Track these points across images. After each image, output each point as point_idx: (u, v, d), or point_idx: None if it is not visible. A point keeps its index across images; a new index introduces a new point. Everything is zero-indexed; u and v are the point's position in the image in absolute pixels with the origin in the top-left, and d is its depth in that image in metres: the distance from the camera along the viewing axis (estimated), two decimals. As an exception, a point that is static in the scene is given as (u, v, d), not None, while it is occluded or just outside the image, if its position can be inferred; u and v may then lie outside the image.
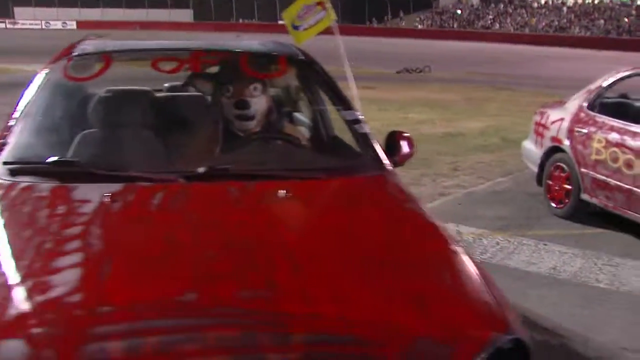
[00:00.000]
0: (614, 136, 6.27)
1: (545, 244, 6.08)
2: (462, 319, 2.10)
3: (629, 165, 6.03)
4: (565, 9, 73.94)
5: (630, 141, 6.07)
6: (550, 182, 7.10)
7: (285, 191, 2.73)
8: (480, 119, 13.68)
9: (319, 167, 3.20)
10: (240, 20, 79.45)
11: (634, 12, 68.23)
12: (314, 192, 2.96)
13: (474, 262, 2.43)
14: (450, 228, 6.34)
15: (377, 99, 15.95)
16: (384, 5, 78.49)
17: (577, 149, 6.69)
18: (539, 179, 7.33)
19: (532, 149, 7.49)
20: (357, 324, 2.00)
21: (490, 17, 76.44)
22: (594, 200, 6.55)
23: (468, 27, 73.11)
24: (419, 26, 76.15)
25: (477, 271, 2.36)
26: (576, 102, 7.00)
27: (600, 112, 6.68)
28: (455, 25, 75.04)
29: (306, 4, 4.17)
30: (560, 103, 7.38)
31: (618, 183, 6.17)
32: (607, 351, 4.18)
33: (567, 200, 6.86)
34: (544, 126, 7.27)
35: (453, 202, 7.53)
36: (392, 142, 3.52)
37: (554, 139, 7.06)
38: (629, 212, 6.13)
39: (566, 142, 6.84)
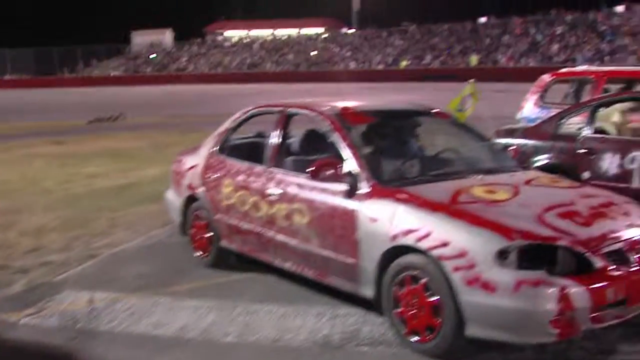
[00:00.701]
0: (240, 179, 6.14)
1: (181, 300, 5.76)
2: None
3: (256, 207, 5.92)
4: (256, 45, 76.65)
5: (254, 183, 5.97)
6: (193, 231, 6.86)
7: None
8: (158, 166, 13.27)
9: None
10: None
11: (320, 44, 72.39)
12: None
13: None
14: (83, 297, 5.85)
15: (64, 154, 15.38)
16: (74, 55, 76.20)
17: (210, 195, 6.50)
18: (183, 229, 7.07)
19: (173, 199, 7.22)
20: None
21: (185, 59, 77.24)
22: (233, 246, 6.38)
23: (163, 71, 73.23)
24: (112, 73, 74.88)
25: None
26: (207, 146, 6.83)
27: (230, 155, 6.55)
28: (149, 70, 74.72)
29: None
30: (195, 148, 7.18)
31: (249, 226, 6.04)
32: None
33: (210, 249, 6.64)
34: (181, 174, 7.04)
35: (99, 264, 7.00)
36: None
37: (189, 186, 6.84)
38: (262, 254, 6.03)
39: (200, 190, 6.64)
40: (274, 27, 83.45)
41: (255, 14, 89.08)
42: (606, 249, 4.24)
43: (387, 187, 4.83)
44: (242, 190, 6.06)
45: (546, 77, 12.00)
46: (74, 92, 48.01)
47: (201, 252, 6.77)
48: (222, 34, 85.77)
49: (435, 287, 4.31)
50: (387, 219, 4.62)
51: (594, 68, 12.70)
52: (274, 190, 5.70)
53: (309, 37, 77.30)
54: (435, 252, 4.28)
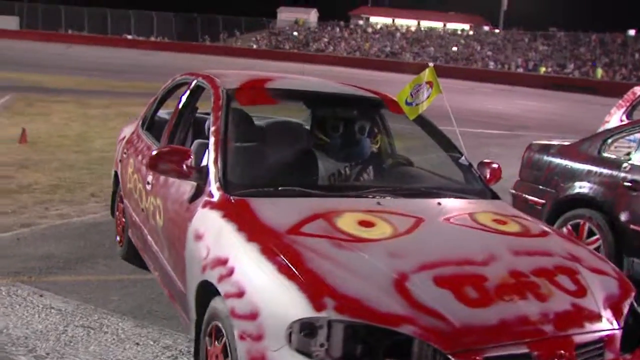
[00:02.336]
0: (138, 159, 4.93)
1: (38, 296, 4.70)
2: None
3: (140, 196, 4.69)
4: (398, 34, 75.23)
5: (144, 167, 4.72)
6: (117, 214, 5.76)
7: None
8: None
9: None
10: (70, 31, 75.95)
11: (462, 41, 70.23)
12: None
13: None
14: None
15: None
16: (216, 23, 77.64)
17: (122, 175, 5.35)
18: (111, 209, 5.98)
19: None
20: None
21: (326, 39, 76.72)
22: (133, 239, 5.20)
23: (303, 49, 72.93)
24: (254, 46, 75.36)
25: None
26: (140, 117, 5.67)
27: (147, 130, 5.35)
28: (287, 47, 74.68)
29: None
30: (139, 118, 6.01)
31: (136, 218, 4.84)
32: None
33: (124, 237, 5.50)
34: (116, 146, 5.92)
35: (20, 235, 6.12)
36: None
37: (115, 162, 5.71)
38: (144, 256, 4.80)
39: (119, 167, 5.49)
40: (420, 18, 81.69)
41: (403, 2, 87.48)
42: (495, 353, 2.60)
43: (232, 194, 3.43)
44: (137, 174, 4.86)
45: (638, 89, 10.04)
46: (212, 60, 48.16)
47: (119, 239, 5.66)
48: (366, 18, 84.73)
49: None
50: (210, 238, 3.24)
51: None
52: (150, 178, 4.45)
53: (452, 32, 75.08)
54: (229, 303, 2.83)
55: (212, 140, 3.75)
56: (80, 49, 52.90)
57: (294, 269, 2.71)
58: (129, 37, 75.51)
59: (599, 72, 52.94)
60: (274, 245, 2.90)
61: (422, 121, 4.65)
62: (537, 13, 71.25)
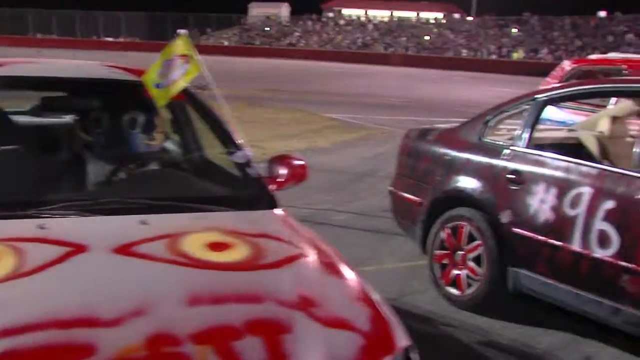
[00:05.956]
0: None
1: None
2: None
3: None
4: (370, 25, 74.33)
5: None
6: None
7: None
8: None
9: None
10: (38, 35, 74.52)
11: (435, 30, 69.42)
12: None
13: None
14: None
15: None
16: (187, 22, 76.55)
17: None
18: None
19: None
20: None
21: (298, 34, 75.67)
22: None
23: (274, 44, 71.94)
24: (226, 43, 74.22)
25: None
26: None
27: None
28: (257, 43, 73.69)
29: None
30: None
31: None
32: None
33: None
34: None
35: None
36: None
37: None
38: None
39: None
40: (392, 8, 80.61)
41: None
42: None
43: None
44: None
45: (566, 65, 8.83)
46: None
47: None
48: (338, 11, 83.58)
49: None
50: None
51: (631, 56, 9.04)
52: None
53: (425, 22, 74.10)
54: None
55: None
56: (51, 52, 51.47)
57: None
58: (110, 39, 74.28)
59: (514, 55, 54.08)
60: None
61: (195, 104, 3.45)
62: (510, -1, 70.15)
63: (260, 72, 36.83)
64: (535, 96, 4.83)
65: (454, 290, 4.95)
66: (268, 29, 78.32)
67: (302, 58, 59.17)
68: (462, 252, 4.90)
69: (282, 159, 3.40)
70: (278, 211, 3.04)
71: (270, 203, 3.06)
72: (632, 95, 5.09)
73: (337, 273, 2.56)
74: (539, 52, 55.91)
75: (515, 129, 4.86)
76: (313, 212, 7.37)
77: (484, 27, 66.28)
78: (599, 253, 4.10)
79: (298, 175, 3.36)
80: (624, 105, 5.68)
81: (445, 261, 5.03)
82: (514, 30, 62.60)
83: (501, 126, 5.11)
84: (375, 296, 2.46)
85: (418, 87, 31.25)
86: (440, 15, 77.43)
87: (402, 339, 2.25)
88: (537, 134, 4.88)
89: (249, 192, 3.16)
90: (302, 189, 8.82)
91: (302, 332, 2.10)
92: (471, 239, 4.83)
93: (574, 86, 5.25)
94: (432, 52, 61.65)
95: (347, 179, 9.34)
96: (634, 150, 4.25)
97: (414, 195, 5.35)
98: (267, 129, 13.71)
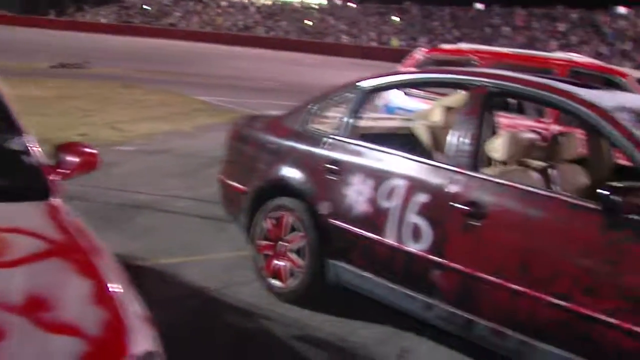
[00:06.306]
0: None
1: None
2: None
3: None
4: (253, 8, 73.85)
5: None
6: None
7: None
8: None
9: None
10: None
11: (317, 15, 69.60)
12: None
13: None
14: None
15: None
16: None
17: None
18: None
19: None
20: None
21: (179, 14, 74.32)
22: None
23: (154, 24, 70.30)
24: (103, 20, 72.02)
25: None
26: None
27: None
28: (137, 21, 71.89)
29: None
30: None
31: None
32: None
33: None
34: None
35: None
36: None
37: None
38: None
39: None
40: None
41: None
42: None
43: None
44: None
45: (419, 54, 8.84)
46: (57, 35, 45.04)
47: None
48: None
49: None
50: None
51: (482, 48, 9.08)
52: None
53: (307, 6, 74.17)
54: None
55: None
56: None
57: None
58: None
59: (393, 42, 55.52)
60: None
61: None
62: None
63: (137, 52, 35.74)
64: (358, 84, 4.71)
65: (276, 282, 4.80)
66: (148, 7, 76.49)
67: (182, 39, 58.15)
68: (284, 243, 4.76)
69: (71, 147, 3.18)
70: (53, 202, 2.79)
71: (44, 193, 2.81)
72: (452, 86, 5.07)
73: (86, 273, 2.34)
74: (417, 40, 57.07)
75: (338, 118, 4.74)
76: (156, 199, 7.08)
77: (365, 14, 67.04)
78: (412, 247, 4.03)
79: (88, 163, 3.16)
80: (459, 96, 5.62)
81: (268, 252, 4.86)
82: (395, 18, 63.59)
83: (330, 114, 4.98)
84: (126, 298, 2.27)
85: (294, 71, 31.22)
86: (324, 1, 77.65)
87: (140, 344, 2.10)
88: (364, 123, 4.78)
89: (19, 182, 2.88)
90: (151, 173, 8.65)
91: (17, 340, 1.92)
92: (293, 229, 4.69)
93: (397, 75, 5.17)
94: (314, 37, 61.87)
95: (200, 164, 9.04)
96: (446, 142, 4.20)
97: (239, 183, 5.16)
98: (133, 111, 13.23)
